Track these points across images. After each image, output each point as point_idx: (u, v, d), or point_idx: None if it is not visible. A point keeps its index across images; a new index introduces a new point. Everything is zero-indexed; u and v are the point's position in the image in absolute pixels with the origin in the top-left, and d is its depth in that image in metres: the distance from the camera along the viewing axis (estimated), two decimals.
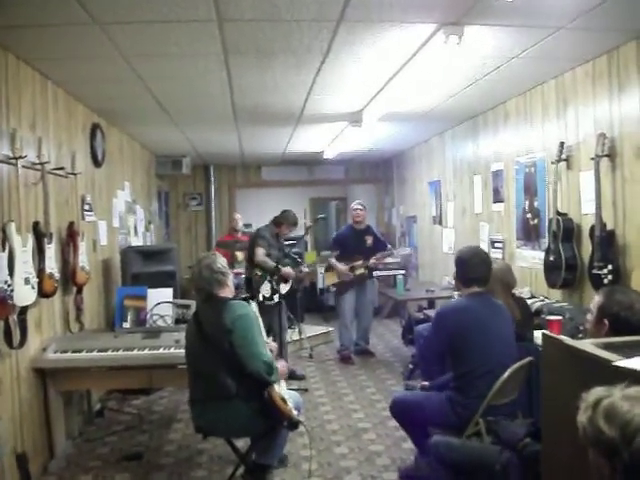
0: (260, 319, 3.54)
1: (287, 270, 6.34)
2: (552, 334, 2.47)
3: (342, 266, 7.03)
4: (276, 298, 6.19)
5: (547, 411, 2.36)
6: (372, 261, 7.02)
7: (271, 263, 6.13)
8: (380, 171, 11.38)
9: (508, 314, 3.62)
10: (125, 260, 5.93)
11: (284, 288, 6.43)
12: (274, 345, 3.73)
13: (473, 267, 3.56)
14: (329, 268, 7.31)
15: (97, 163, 5.63)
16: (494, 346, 3.38)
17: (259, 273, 6.16)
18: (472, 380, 3.33)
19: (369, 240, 7.18)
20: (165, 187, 10.18)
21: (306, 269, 6.64)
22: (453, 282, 3.93)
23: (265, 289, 6.18)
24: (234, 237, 8.45)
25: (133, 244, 7.06)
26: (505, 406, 3.36)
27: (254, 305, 3.61)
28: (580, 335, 3.59)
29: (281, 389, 3.27)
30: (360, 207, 7.23)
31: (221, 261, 3.47)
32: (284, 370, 3.52)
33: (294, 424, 3.18)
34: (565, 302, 4.58)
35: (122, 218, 6.66)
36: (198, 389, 3.31)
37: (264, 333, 3.53)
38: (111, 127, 6.25)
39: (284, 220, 6.49)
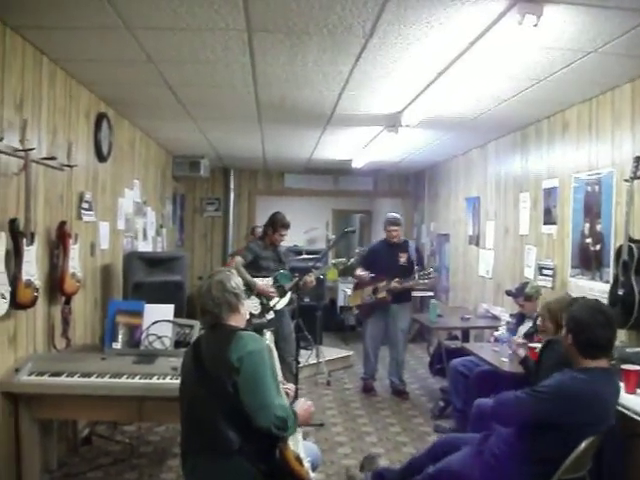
0: (276, 354, 2.86)
1: (261, 285, 5.51)
2: None
3: (364, 274, 6.25)
4: (269, 315, 5.49)
5: None
6: (393, 284, 6.06)
7: (246, 276, 5.35)
8: (410, 184, 10.69)
9: None
10: (127, 267, 5.30)
11: (280, 303, 5.60)
12: (291, 387, 3.02)
13: (598, 330, 2.74)
14: (357, 286, 6.49)
15: (102, 157, 5.02)
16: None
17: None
18: (549, 465, 2.62)
19: (402, 258, 6.25)
20: (181, 190, 9.58)
21: (311, 278, 5.67)
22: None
23: (252, 306, 5.40)
24: None
25: (141, 249, 6.46)
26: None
27: (269, 336, 2.92)
28: None
29: (297, 443, 2.60)
30: (394, 227, 6.25)
31: (237, 280, 2.77)
32: (308, 413, 2.78)
33: None
34: (638, 347, 3.84)
35: (129, 220, 6.04)
36: (192, 439, 2.62)
37: (280, 373, 2.84)
38: (121, 119, 5.64)
39: (270, 224, 5.72)
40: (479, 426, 3.41)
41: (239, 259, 5.56)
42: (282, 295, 5.60)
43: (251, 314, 5.36)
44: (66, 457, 4.28)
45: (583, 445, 2.54)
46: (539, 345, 3.99)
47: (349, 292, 9.25)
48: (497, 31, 3.19)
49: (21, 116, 3.46)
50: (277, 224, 5.68)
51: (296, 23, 3.23)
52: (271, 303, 5.53)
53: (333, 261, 6.59)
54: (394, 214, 6.52)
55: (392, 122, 5.64)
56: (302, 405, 2.78)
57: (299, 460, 2.52)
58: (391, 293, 6.11)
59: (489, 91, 4.56)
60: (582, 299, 3.16)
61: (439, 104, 4.85)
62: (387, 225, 6.33)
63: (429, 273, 6.04)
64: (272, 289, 5.57)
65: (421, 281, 6.15)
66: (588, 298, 3.48)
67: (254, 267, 5.60)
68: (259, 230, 7.48)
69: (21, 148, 3.34)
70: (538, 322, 3.76)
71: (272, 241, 5.72)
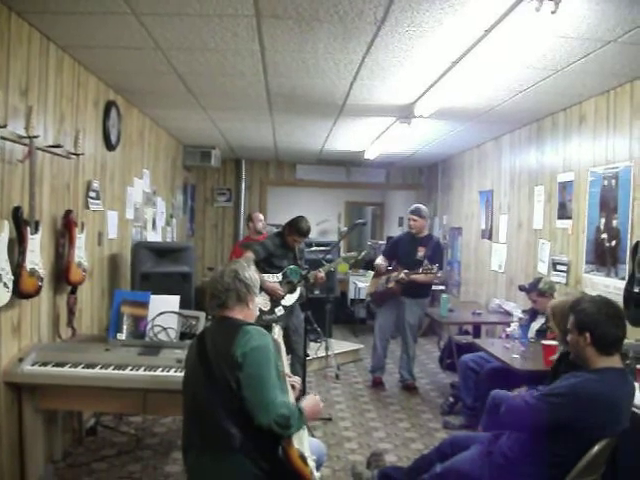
0: (284, 350, 2.79)
1: (270, 285, 5.33)
2: None
3: (383, 264, 6.19)
4: (279, 311, 5.38)
5: None
6: (400, 276, 5.93)
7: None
8: (423, 177, 10.59)
9: None
10: (135, 257, 5.25)
11: (290, 299, 5.47)
12: (297, 381, 2.95)
13: (613, 324, 2.62)
14: (376, 274, 6.36)
15: (110, 146, 4.96)
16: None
17: None
18: (561, 468, 2.53)
19: (421, 252, 6.07)
20: (192, 179, 9.54)
21: (322, 274, 5.53)
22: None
23: (261, 302, 5.21)
24: (252, 239, 7.26)
25: (150, 239, 6.42)
26: None
27: (277, 330, 2.85)
28: None
29: (302, 441, 2.53)
30: (414, 216, 6.12)
31: (252, 274, 2.72)
32: (317, 407, 2.72)
33: None
34: None
35: (138, 210, 5.99)
36: (193, 434, 2.56)
37: (287, 368, 2.76)
38: (130, 107, 5.58)
39: (287, 226, 5.48)
40: (494, 420, 3.30)
41: (250, 255, 5.37)
42: (291, 290, 5.51)
43: (261, 310, 5.27)
44: (71, 447, 4.25)
45: (596, 448, 2.45)
46: (552, 342, 3.92)
47: (360, 285, 9.19)
48: (514, 18, 3.08)
49: (26, 103, 3.40)
50: (293, 229, 5.42)
51: (305, 9, 3.15)
52: (284, 299, 5.44)
53: (343, 255, 6.50)
54: (418, 205, 6.42)
55: (405, 113, 5.54)
56: (310, 400, 2.72)
57: (303, 459, 2.45)
58: (400, 285, 5.99)
59: (505, 81, 4.46)
60: (586, 296, 3.03)
61: (453, 95, 4.76)
62: (407, 216, 6.26)
63: (432, 268, 5.87)
64: (280, 289, 5.43)
65: (431, 275, 5.95)
66: (591, 294, 3.37)
67: (267, 263, 5.45)
68: (258, 217, 7.30)
69: (26, 135, 3.29)
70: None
71: (287, 243, 5.58)
